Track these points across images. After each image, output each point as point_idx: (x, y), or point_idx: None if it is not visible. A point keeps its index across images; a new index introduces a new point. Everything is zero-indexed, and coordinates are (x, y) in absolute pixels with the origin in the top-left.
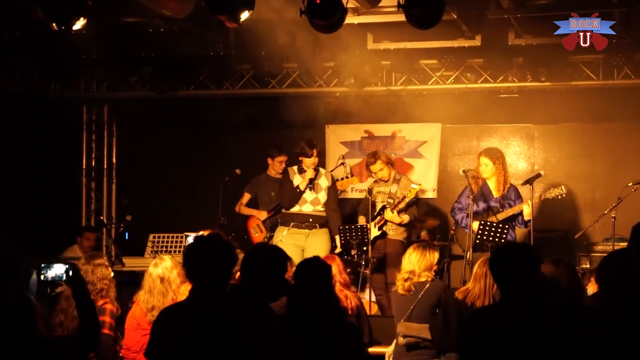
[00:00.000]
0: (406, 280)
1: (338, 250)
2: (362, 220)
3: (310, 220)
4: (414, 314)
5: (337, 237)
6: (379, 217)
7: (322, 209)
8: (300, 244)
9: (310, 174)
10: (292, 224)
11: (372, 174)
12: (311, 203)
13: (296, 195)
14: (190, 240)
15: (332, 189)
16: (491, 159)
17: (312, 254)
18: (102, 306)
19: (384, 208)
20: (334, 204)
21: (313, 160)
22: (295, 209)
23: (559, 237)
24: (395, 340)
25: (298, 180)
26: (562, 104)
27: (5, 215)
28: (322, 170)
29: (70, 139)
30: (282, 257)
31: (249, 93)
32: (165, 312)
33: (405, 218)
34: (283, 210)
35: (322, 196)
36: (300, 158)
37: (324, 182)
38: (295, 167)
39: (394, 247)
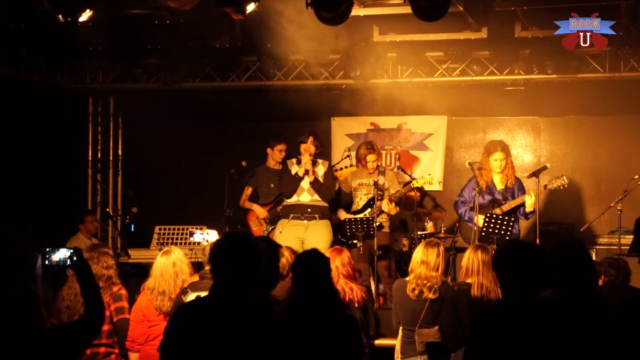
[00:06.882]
0: (418, 285)
1: None
2: (342, 213)
3: (309, 210)
4: (427, 318)
5: None
6: (369, 210)
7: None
8: (299, 236)
9: (306, 159)
10: (291, 215)
11: (366, 164)
12: (308, 192)
13: (295, 182)
14: (196, 237)
15: (328, 177)
16: (506, 153)
17: (311, 245)
18: (118, 292)
19: (372, 200)
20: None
21: (306, 145)
22: (294, 200)
23: (564, 230)
24: (399, 335)
25: (296, 170)
26: (568, 96)
27: (10, 206)
28: (319, 160)
29: (76, 131)
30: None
31: (255, 85)
32: (183, 307)
33: (397, 209)
34: (283, 203)
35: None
36: (300, 145)
37: (320, 170)
38: (294, 159)
39: (383, 238)
